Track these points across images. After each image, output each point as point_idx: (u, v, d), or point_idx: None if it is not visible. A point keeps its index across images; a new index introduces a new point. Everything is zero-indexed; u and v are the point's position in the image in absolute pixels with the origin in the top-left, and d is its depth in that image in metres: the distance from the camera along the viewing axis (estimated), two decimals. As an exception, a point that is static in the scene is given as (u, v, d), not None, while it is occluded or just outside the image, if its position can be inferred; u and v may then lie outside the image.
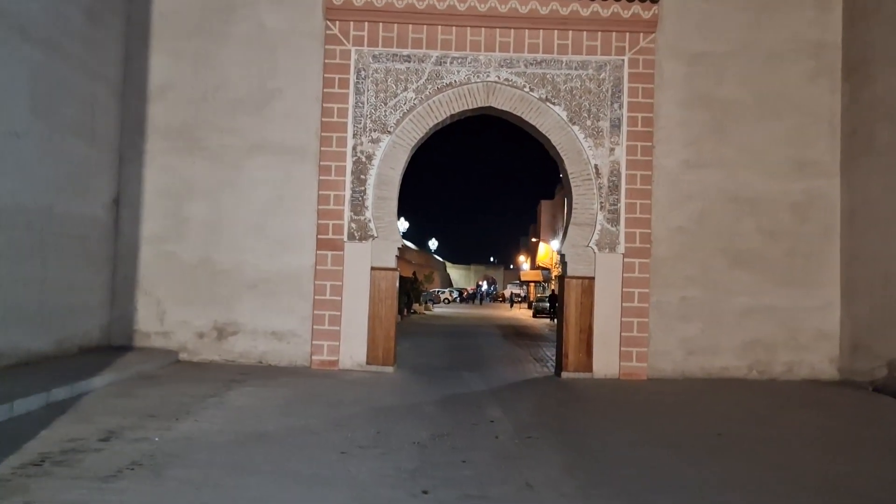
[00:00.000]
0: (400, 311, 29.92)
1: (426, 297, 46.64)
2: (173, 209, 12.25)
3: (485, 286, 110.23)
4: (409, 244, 67.30)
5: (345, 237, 12.21)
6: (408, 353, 15.74)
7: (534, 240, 68.52)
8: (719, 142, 12.42)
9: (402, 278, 35.61)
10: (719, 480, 5.94)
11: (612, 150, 12.32)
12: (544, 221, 64.45)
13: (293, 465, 5.92)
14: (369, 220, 12.23)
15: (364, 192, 12.28)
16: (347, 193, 12.26)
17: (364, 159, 12.31)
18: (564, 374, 12.12)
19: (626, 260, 12.21)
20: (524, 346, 19.26)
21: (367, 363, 12.09)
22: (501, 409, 9.01)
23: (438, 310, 49.40)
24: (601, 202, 12.30)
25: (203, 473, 5.60)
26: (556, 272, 56.59)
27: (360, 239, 12.23)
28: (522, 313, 48.27)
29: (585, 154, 12.34)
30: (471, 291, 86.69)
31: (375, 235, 12.23)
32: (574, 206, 12.38)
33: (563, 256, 12.58)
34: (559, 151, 12.39)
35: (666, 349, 12.18)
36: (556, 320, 41.36)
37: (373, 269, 12.22)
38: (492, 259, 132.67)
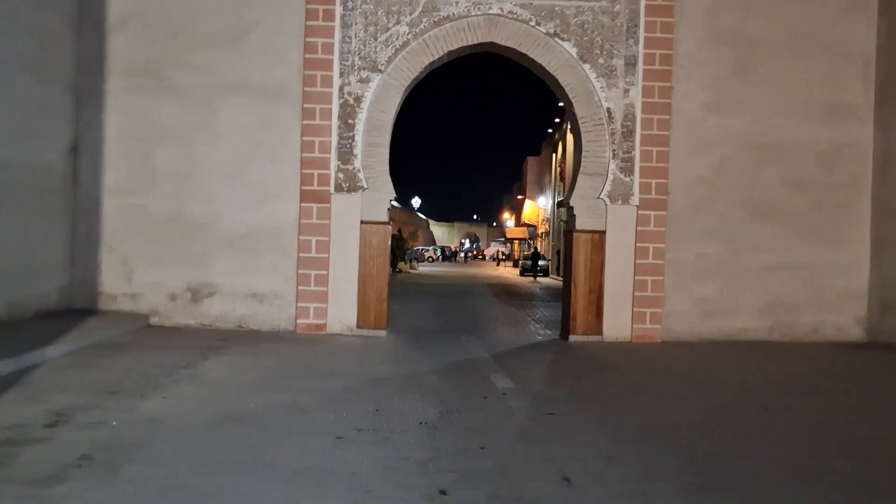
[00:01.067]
0: (386, 270, 28.82)
1: (411, 255, 45.60)
2: (139, 157, 10.97)
3: (467, 244, 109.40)
4: (393, 202, 65.86)
5: (331, 188, 11.03)
6: (399, 315, 14.71)
7: (519, 197, 67.47)
8: (743, 83, 11.31)
9: (387, 236, 34.70)
10: (790, 470, 5.00)
11: (626, 91, 11.17)
12: (531, 178, 63.34)
13: (280, 456, 4.89)
14: (358, 170, 11.05)
15: (352, 138, 11.06)
16: (334, 140, 11.04)
17: (352, 101, 11.06)
18: (572, 338, 11.17)
19: (640, 212, 11.18)
20: (520, 307, 18.33)
21: (358, 327, 11.04)
22: (511, 379, 8.03)
23: (423, 268, 48.45)
24: (614, 149, 11.20)
25: (168, 470, 4.55)
26: (542, 229, 55.71)
27: (349, 190, 11.06)
28: (509, 272, 47.42)
29: (597, 96, 11.18)
30: (454, 249, 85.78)
31: (365, 187, 11.07)
32: (584, 153, 11.26)
33: (570, 209, 11.51)
34: (568, 93, 11.22)
35: (682, 310, 11.25)
36: (536, 277, 41.65)
37: (363, 223, 11.09)
38: (475, 216, 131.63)
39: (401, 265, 38.60)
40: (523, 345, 11.08)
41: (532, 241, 62.97)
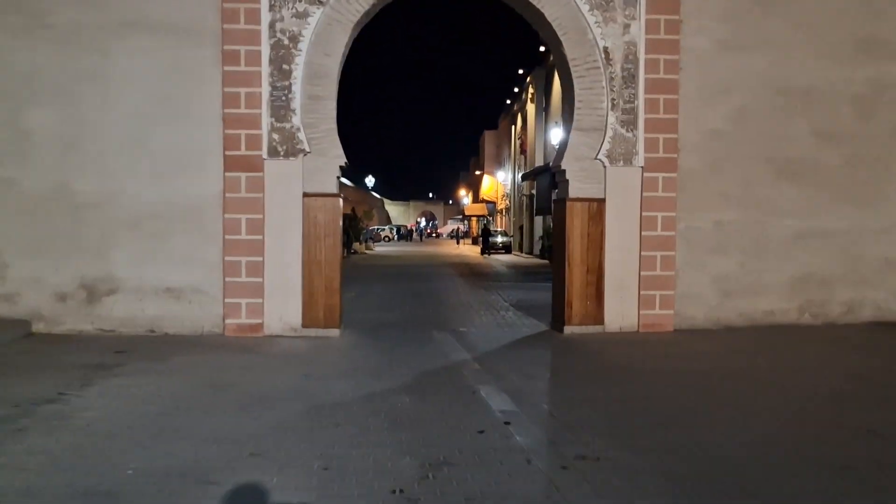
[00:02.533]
0: (340, 252, 26.50)
1: (366, 235, 43.20)
2: (6, 116, 8.47)
3: (423, 222, 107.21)
4: (345, 180, 63.09)
5: (264, 153, 8.73)
6: (355, 305, 12.51)
7: (477, 172, 65.39)
8: (765, 15, 9.35)
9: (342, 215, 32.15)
10: None
11: (626, 26, 9.09)
12: (488, 153, 61.18)
13: None
14: (298, 129, 8.76)
15: (289, 88, 8.75)
16: (265, 91, 8.72)
17: (287, 42, 8.73)
18: (568, 330, 9.16)
19: (645, 175, 9.18)
20: (491, 289, 16.28)
21: (304, 326, 8.83)
22: (508, 396, 5.97)
23: (380, 248, 46.12)
24: (613, 99, 9.13)
25: None
26: (502, 205, 53.79)
27: (287, 155, 8.77)
28: (469, 249, 45.40)
29: (591, 33, 9.07)
30: (410, 228, 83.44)
31: (307, 150, 8.80)
32: (577, 105, 9.17)
33: (560, 174, 9.44)
34: (555, 29, 9.08)
35: (697, 290, 9.33)
36: (488, 254, 39.73)
37: (306, 195, 8.84)
38: (431, 195, 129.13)
39: (356, 246, 36.23)
40: (509, 341, 9.01)
41: (491, 218, 61.08)
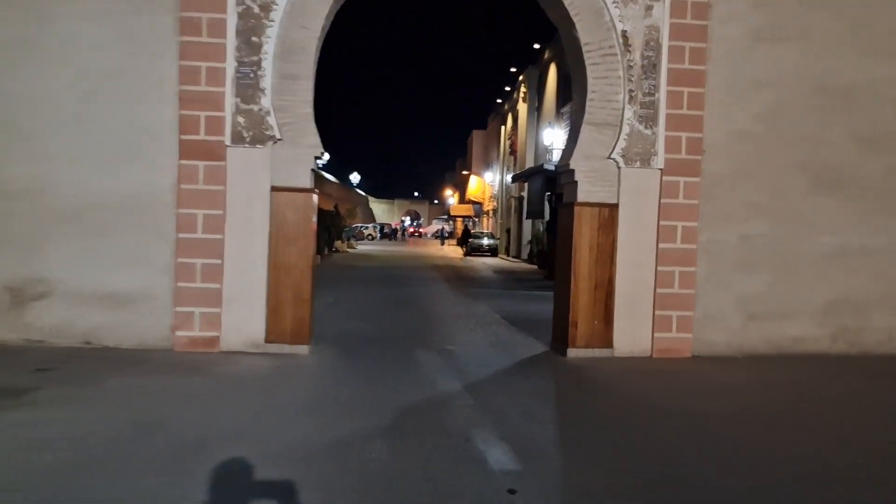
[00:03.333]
0: (320, 251, 25.27)
1: (349, 232, 41.90)
2: (-82, 84, 7.17)
3: (408, 221, 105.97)
4: (329, 176, 61.72)
5: (227, 138, 7.50)
6: (330, 313, 11.29)
7: (464, 172, 64.25)
8: (802, 3, 8.26)
9: (322, 211, 30.82)
10: None
11: (648, 8, 7.96)
12: (476, 153, 60.09)
13: None
14: (267, 113, 7.54)
15: (258, 65, 7.53)
16: (230, 67, 7.49)
17: (257, 10, 7.51)
18: (572, 353, 8.01)
19: (665, 178, 8.05)
20: (479, 297, 15.10)
21: (268, 341, 7.61)
22: (510, 445, 4.81)
23: (363, 247, 44.81)
24: (631, 90, 8.00)
25: None
26: (489, 206, 52.65)
27: (253, 142, 7.55)
28: (454, 251, 44.18)
29: (609, 14, 7.93)
30: (394, 227, 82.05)
31: (278, 137, 7.58)
32: (590, 96, 8.02)
33: (567, 174, 8.29)
34: (567, 8, 7.92)
35: (719, 312, 8.22)
36: (466, 255, 38.81)
37: (274, 189, 7.62)
38: (416, 193, 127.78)
39: (338, 244, 34.93)
40: (505, 365, 7.83)
41: (477, 219, 59.95)
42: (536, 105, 34.34)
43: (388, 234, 71.64)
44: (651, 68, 7.99)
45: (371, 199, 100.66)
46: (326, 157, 58.40)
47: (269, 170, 7.59)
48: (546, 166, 22.03)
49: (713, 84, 8.07)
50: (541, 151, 32.03)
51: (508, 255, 37.13)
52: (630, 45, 7.96)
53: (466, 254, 39.18)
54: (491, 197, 51.62)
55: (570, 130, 8.53)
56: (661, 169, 8.04)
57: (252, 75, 7.52)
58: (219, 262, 7.50)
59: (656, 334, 8.08)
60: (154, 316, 7.46)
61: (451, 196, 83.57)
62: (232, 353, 7.46)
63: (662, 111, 8.01)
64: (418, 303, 13.96)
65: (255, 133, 7.54)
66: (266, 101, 7.53)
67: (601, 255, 8.07)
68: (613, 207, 8.06)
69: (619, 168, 8.05)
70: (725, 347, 8.23)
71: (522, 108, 36.47)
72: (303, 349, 7.67)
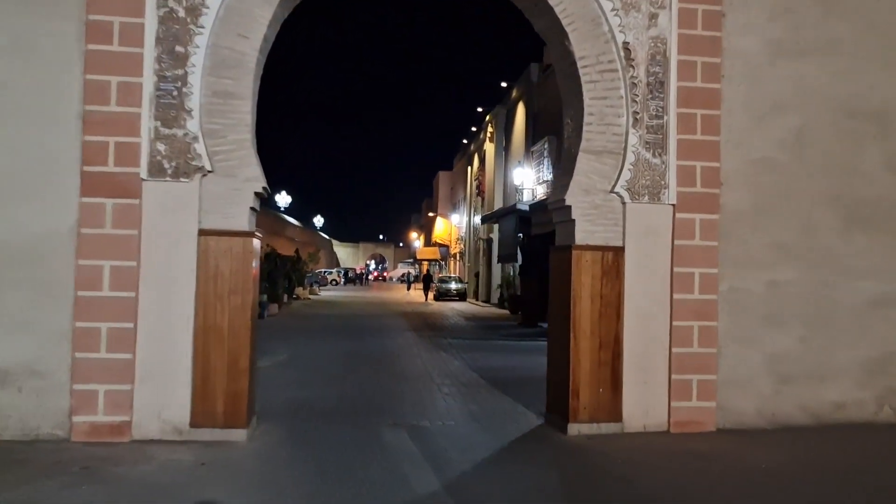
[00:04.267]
0: (277, 299, 23.52)
1: (311, 278, 40.09)
2: None
3: (373, 265, 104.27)
4: (291, 220, 60.00)
5: (143, 171, 6.01)
6: (281, 376, 9.70)
7: (430, 214, 63.13)
8: (827, 14, 7.16)
9: (281, 258, 29.02)
10: None
11: (653, 17, 6.76)
12: (442, 194, 59.09)
13: None
14: (195, 139, 6.07)
15: (184, 80, 6.08)
16: (148, 83, 6.04)
17: (183, 14, 6.09)
18: (573, 428, 6.54)
19: (678, 216, 6.75)
20: (452, 350, 13.57)
21: (194, 425, 6.01)
22: None
23: (326, 293, 43.01)
24: (635, 112, 6.74)
25: None
26: (456, 249, 51.35)
27: (177, 174, 6.06)
28: (421, 296, 42.51)
29: (607, 23, 6.70)
30: (359, 271, 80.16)
31: (208, 168, 6.10)
32: (586, 119, 6.74)
33: (561, 211, 6.96)
34: (559, 16, 6.67)
35: (746, 375, 6.87)
36: (427, 299, 37.44)
37: (203, 233, 6.12)
38: (381, 237, 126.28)
39: (299, 291, 33.12)
40: (494, 449, 6.28)
41: (444, 263, 58.60)
42: (504, 144, 33.41)
43: (353, 278, 69.71)
44: (658, 86, 6.76)
45: (335, 242, 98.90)
46: (286, 198, 56.86)
47: (198, 209, 6.09)
48: (519, 206, 20.81)
49: (729, 105, 6.86)
50: (510, 192, 30.97)
51: (477, 300, 35.72)
52: (633, 60, 6.72)
53: (436, 298, 37.70)
54: (458, 239, 50.40)
55: (564, 161, 7.22)
56: (672, 204, 6.75)
57: (176, 93, 6.06)
58: (130, 325, 5.92)
59: (673, 403, 6.68)
60: (44, 397, 5.81)
61: (416, 239, 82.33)
62: (147, 444, 5.83)
63: (672, 136, 6.76)
64: (384, 359, 12.38)
65: (178, 163, 6.05)
66: (193, 125, 6.07)
67: (605, 309, 6.68)
68: (618, 251, 6.72)
69: (623, 204, 6.73)
70: (755, 417, 6.85)
71: (490, 147, 35.53)
72: (239, 434, 6.07)
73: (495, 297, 31.05)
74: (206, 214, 6.13)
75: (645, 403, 6.68)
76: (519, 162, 28.67)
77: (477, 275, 37.68)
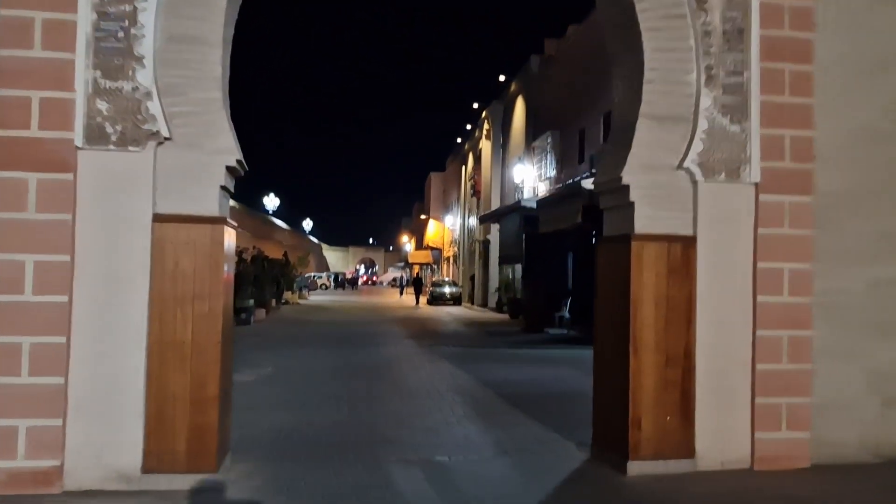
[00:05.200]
0: (265, 304, 22.01)
1: (301, 283, 38.51)
2: None
3: (363, 269, 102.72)
4: (279, 223, 58.42)
5: (78, 137, 4.57)
6: (264, 395, 8.27)
7: (422, 217, 61.66)
8: (936, -52, 5.81)
9: (269, 261, 27.54)
10: None
11: (728, -51, 5.38)
12: (434, 196, 57.61)
13: None
14: (147, 95, 4.64)
15: (132, 18, 4.65)
16: (85, 21, 4.59)
17: (131, -67, 4.66)
18: (635, 468, 5.14)
19: (762, 198, 5.38)
20: (458, 361, 12.14)
21: (148, 469, 4.57)
22: None
23: (316, 297, 41.49)
24: (708, 67, 5.36)
25: None
26: (449, 252, 49.89)
27: (124, 142, 4.62)
28: (414, 300, 40.95)
29: (672, -44, 5.32)
30: (349, 275, 78.43)
31: (165, 134, 4.66)
32: (647, 75, 5.35)
33: (612, 194, 5.58)
34: (613, -51, 5.29)
35: (846, 397, 5.49)
36: (418, 303, 35.83)
37: (160, 219, 4.68)
38: (371, 241, 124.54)
39: (288, 296, 31.58)
40: (536, 497, 4.87)
41: (437, 266, 57.13)
42: (502, 142, 32.08)
43: (343, 282, 68.02)
44: (736, 35, 5.39)
45: (325, 246, 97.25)
46: (274, 200, 55.37)
47: (151, 188, 4.66)
48: (524, 203, 19.41)
49: (824, 60, 5.51)
50: (508, 190, 29.62)
51: (473, 304, 34.29)
52: (705, 2, 5.35)
53: (429, 302, 36.25)
54: (451, 242, 48.95)
55: (614, 132, 5.85)
56: (755, 183, 5.39)
57: (122, 35, 4.63)
58: (61, 340, 4.47)
59: (758, 434, 5.30)
60: (-58, 437, 4.35)
61: (407, 242, 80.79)
62: (84, 496, 4.39)
63: (755, 98, 5.39)
64: (383, 371, 10.95)
65: (126, 128, 4.61)
66: (145, 77, 4.64)
67: (673, 315, 5.29)
68: (688, 242, 5.34)
69: (694, 183, 5.36)
70: (857, 449, 5.48)
71: (486, 145, 34.15)
72: (206, 481, 4.63)
73: (492, 301, 29.65)
74: (163, 195, 4.70)
75: (722, 434, 5.30)
76: (519, 158, 27.32)
77: (472, 278, 36.27)
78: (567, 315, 18.92)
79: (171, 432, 4.64)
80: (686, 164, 5.32)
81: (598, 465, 5.51)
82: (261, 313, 20.99)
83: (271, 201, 56.40)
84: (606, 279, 5.68)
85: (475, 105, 35.73)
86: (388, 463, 5.56)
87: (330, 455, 5.73)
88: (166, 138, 4.67)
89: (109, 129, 4.59)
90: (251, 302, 19.76)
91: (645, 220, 5.31)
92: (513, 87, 29.82)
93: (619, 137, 5.58)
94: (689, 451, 5.25)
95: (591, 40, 20.04)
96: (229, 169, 4.89)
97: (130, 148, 4.61)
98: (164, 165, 4.70)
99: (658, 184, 5.34)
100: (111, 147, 4.60)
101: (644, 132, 5.33)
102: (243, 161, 5.01)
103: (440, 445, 6.17)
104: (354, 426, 6.91)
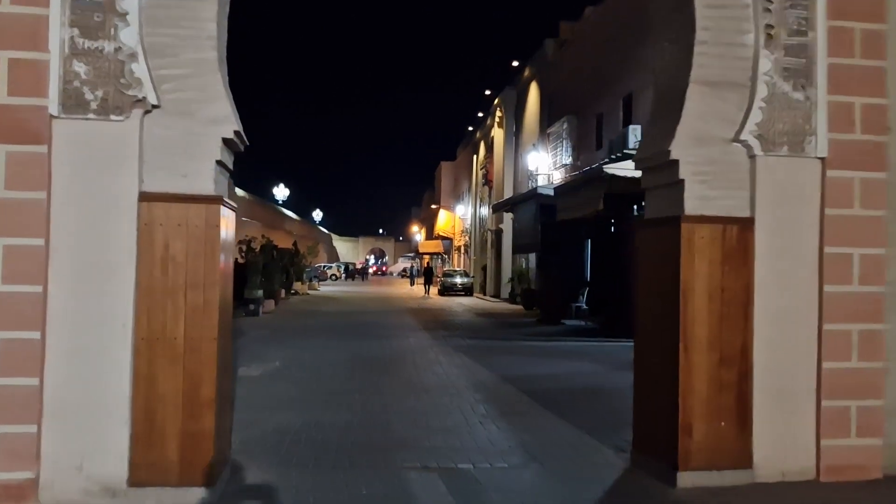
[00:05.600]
0: (273, 295, 21.52)
1: (311, 273, 38.00)
2: None
3: (372, 259, 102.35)
4: (289, 213, 57.97)
5: (53, 103, 3.99)
6: (271, 389, 7.74)
7: (433, 206, 61.01)
8: None
9: (279, 251, 27.04)
10: None
11: None
12: (445, 185, 56.99)
13: None
14: (132, 56, 4.05)
15: (114, -31, 4.05)
16: (62, -27, 4.00)
17: None
18: (685, 479, 4.55)
19: (830, 175, 4.75)
20: (474, 354, 11.56)
21: (135, 482, 4.02)
22: None
23: (326, 288, 41.01)
24: (768, 26, 4.72)
25: None
26: (460, 242, 49.26)
27: (105, 110, 4.04)
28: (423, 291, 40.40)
29: None
30: (359, 266, 77.88)
31: (154, 102, 4.08)
32: (699, 35, 4.71)
33: (658, 171, 4.96)
34: None
35: (922, 399, 4.86)
36: (428, 293, 34.86)
37: (146, 198, 4.11)
38: (381, 231, 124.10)
39: (298, 286, 31.10)
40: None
41: (447, 256, 56.53)
42: (515, 129, 31.37)
43: (354, 273, 67.47)
44: (800, -10, 4.74)
45: (334, 236, 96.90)
46: (284, 190, 54.97)
47: (137, 163, 4.09)
48: (541, 190, 18.77)
49: (899, 17, 4.85)
50: (522, 178, 28.96)
51: (485, 295, 33.71)
52: (765, -48, 4.71)
53: (440, 292, 35.70)
54: (462, 232, 48.31)
55: (656, 102, 5.22)
56: (822, 158, 4.75)
57: (102, -13, 4.04)
58: (34, 336, 3.92)
59: (824, 441, 4.69)
60: None
61: (417, 232, 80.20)
62: (58, 514, 3.84)
63: (821, 61, 4.75)
64: (397, 365, 10.39)
65: (107, 93, 4.04)
66: (129, 36, 4.05)
67: (728, 308, 4.68)
68: (745, 225, 4.72)
69: (752, 157, 4.73)
70: (934, 459, 4.86)
71: (498, 133, 33.46)
72: (201, 496, 4.07)
73: (505, 291, 29.06)
74: (151, 171, 4.13)
75: (784, 442, 4.69)
76: (533, 146, 26.64)
77: (484, 268, 35.67)
78: (584, 305, 18.31)
79: (161, 440, 4.09)
80: (743, 135, 4.69)
81: (642, 474, 4.91)
82: (269, 304, 20.49)
83: (281, 191, 55.97)
84: (650, 268, 5.06)
85: (487, 92, 35.07)
86: (405, 471, 5.00)
87: (340, 462, 5.17)
88: (154, 106, 4.09)
89: (89, 95, 4.02)
90: (260, 292, 19.25)
91: (696, 201, 4.69)
92: (526, 73, 29.11)
93: (666, 107, 4.95)
94: (745, 460, 4.65)
95: (609, 21, 19.33)
96: (226, 142, 4.30)
97: (113, 116, 4.04)
98: (152, 137, 4.13)
99: (711, 159, 4.71)
100: (90, 115, 4.02)
101: (696, 100, 4.70)
102: (243, 134, 4.43)
103: (462, 450, 5.60)
104: (367, 427, 6.34)
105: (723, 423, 4.64)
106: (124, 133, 4.06)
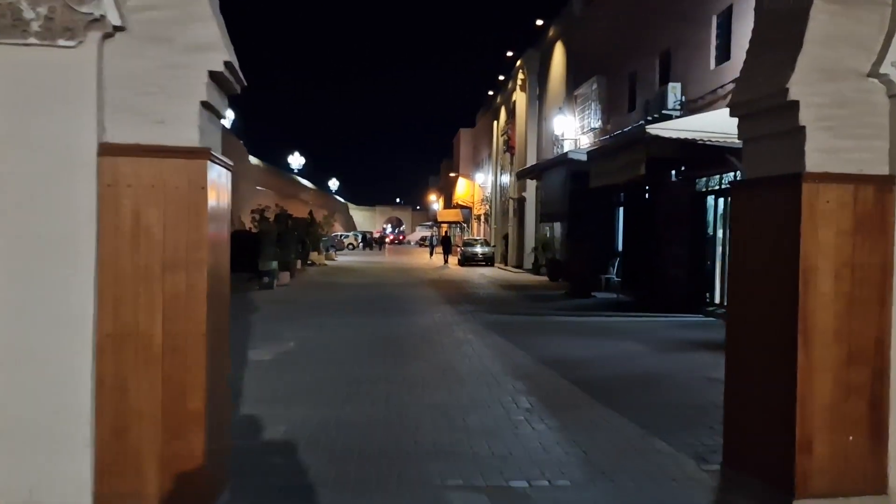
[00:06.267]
0: (288, 267, 20.66)
1: (327, 243, 37.13)
2: None
3: (389, 228, 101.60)
4: (305, 182, 57.10)
5: (-21, 23, 2.97)
6: (283, 378, 6.83)
7: (451, 175, 59.79)
8: None
9: (295, 220, 25.92)
10: None
11: None
12: (464, 153, 55.71)
13: None
14: (87, -39, 3.00)
15: None
16: None
17: None
18: (804, 509, 3.56)
19: None
20: (506, 332, 10.58)
21: (98, 522, 3.07)
22: None
23: (343, 258, 40.18)
24: (920, -78, 3.58)
25: None
26: (480, 210, 48.12)
27: (52, 34, 3.02)
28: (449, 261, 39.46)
29: None
30: (377, 235, 77.07)
31: (116, 23, 3.05)
32: (827, -64, 3.59)
33: (771, 114, 3.86)
34: None
35: None
36: (447, 262, 34.22)
37: (108, 151, 3.10)
38: (398, 199, 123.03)
39: (314, 256, 30.25)
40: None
41: (466, 225, 55.47)
42: (539, 92, 30.03)
43: (371, 242, 66.66)
44: None
45: (351, 206, 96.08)
46: (300, 159, 54.03)
47: (96, 104, 3.09)
48: (572, 155, 17.62)
49: None
50: (546, 144, 27.72)
51: (507, 265, 32.71)
52: None
53: (460, 263, 34.77)
54: (482, 200, 47.16)
55: (758, 28, 4.11)
56: (985, 97, 3.65)
57: None
58: (-36, 333, 2.97)
59: (978, 460, 3.67)
60: None
61: (435, 201, 79.07)
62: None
63: None
64: (423, 347, 9.45)
65: (54, 10, 3.03)
66: (81, -67, 3.02)
67: (860, 291, 3.64)
68: (885, 184, 3.66)
69: (893, 97, 3.64)
70: None
71: (521, 97, 32.11)
72: (187, 538, 3.15)
73: (528, 262, 28.03)
74: (115, 116, 3.13)
75: (928, 461, 3.68)
76: (559, 109, 25.35)
77: (506, 237, 34.61)
78: (615, 277, 17.27)
79: (135, 466, 3.16)
80: (883, 68, 3.60)
81: (741, 497, 3.93)
82: (285, 276, 19.63)
83: (296, 160, 55.08)
84: (752, 240, 4.01)
85: (509, 53, 33.59)
86: (443, 489, 4.06)
87: (365, 477, 4.24)
88: (117, 27, 3.08)
89: (28, 13, 3.01)
90: (274, 264, 18.37)
91: (821, 154, 3.62)
92: (551, 33, 27.67)
93: (777, 31, 3.85)
94: (879, 484, 3.65)
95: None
96: (215, 76, 3.29)
97: (61, 41, 3.03)
98: (116, 70, 3.12)
99: (842, 99, 3.63)
100: (31, 40, 3.02)
101: (822, 21, 3.61)
102: (236, 67, 3.41)
103: (510, 459, 4.65)
104: (394, 427, 5.41)
105: (851, 438, 3.64)
106: (77, 64, 3.06)
